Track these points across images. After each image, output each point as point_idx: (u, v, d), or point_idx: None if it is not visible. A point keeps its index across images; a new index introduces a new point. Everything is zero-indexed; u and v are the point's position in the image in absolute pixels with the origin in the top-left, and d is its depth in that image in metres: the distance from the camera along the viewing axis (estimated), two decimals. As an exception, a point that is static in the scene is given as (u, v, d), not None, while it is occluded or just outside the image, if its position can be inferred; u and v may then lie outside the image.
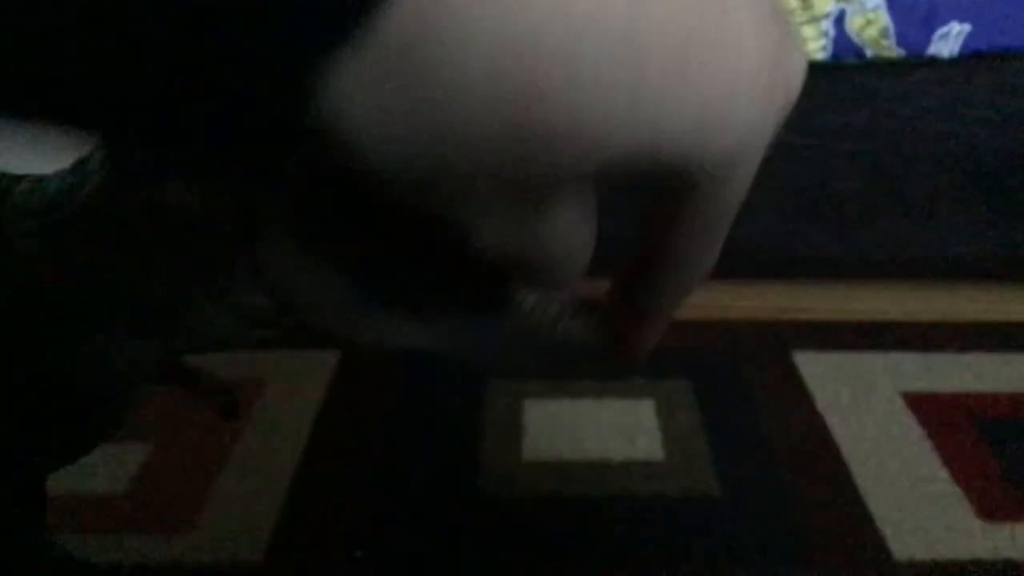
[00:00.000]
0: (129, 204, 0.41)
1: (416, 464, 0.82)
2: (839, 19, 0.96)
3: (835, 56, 0.98)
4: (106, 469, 0.79)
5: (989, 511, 0.77)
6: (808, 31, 0.97)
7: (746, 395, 0.93)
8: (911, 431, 0.87)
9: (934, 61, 1.00)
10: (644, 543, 0.74)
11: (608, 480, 0.81)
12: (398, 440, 0.85)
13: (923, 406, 0.91)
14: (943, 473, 0.82)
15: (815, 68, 1.01)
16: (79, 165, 0.42)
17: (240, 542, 0.72)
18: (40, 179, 0.43)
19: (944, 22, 0.97)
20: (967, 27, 0.97)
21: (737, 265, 1.12)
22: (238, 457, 0.82)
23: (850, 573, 0.71)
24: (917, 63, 1.01)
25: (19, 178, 0.44)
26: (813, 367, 0.97)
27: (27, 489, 0.49)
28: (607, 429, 0.87)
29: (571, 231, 0.26)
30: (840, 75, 1.02)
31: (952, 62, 1.01)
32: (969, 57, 1.00)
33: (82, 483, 0.77)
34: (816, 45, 0.97)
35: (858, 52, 0.98)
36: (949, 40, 0.98)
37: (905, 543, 0.74)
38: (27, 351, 0.42)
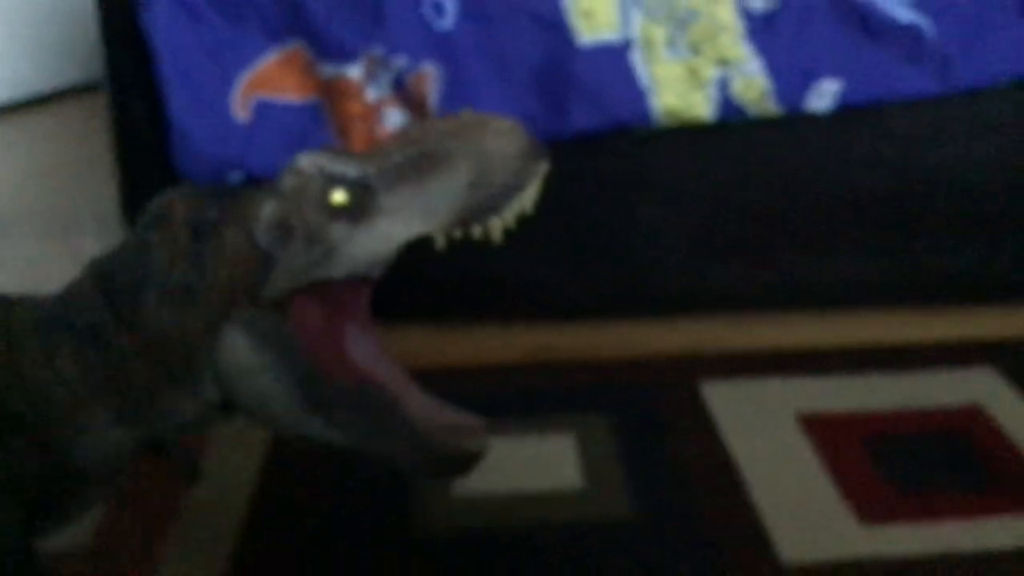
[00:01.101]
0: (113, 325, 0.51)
1: (355, 509, 0.90)
2: (723, 84, 1.08)
3: (722, 116, 1.09)
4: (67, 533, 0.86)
5: (869, 516, 0.87)
6: (696, 96, 1.08)
7: (657, 425, 1.02)
8: (803, 450, 0.97)
9: (814, 116, 1.12)
10: (566, 568, 0.82)
11: (532, 510, 0.90)
12: (337, 485, 0.93)
13: (815, 426, 1.01)
14: (830, 485, 0.92)
15: (705, 127, 1.12)
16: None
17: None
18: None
19: (818, 78, 1.09)
20: (839, 83, 1.09)
21: (647, 305, 1.23)
22: (190, 509, 0.89)
23: (744, 578, 0.80)
24: (799, 118, 1.13)
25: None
26: (718, 395, 1.07)
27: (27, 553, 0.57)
28: (530, 463, 0.96)
29: None
30: (728, 133, 1.13)
31: (829, 115, 1.12)
32: (844, 111, 1.12)
33: (47, 541, 0.83)
34: (704, 108, 1.08)
35: (741, 112, 1.09)
36: (824, 96, 1.09)
37: (793, 548, 0.83)
38: (40, 442, 0.52)
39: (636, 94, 1.08)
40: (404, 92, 1.04)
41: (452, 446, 0.50)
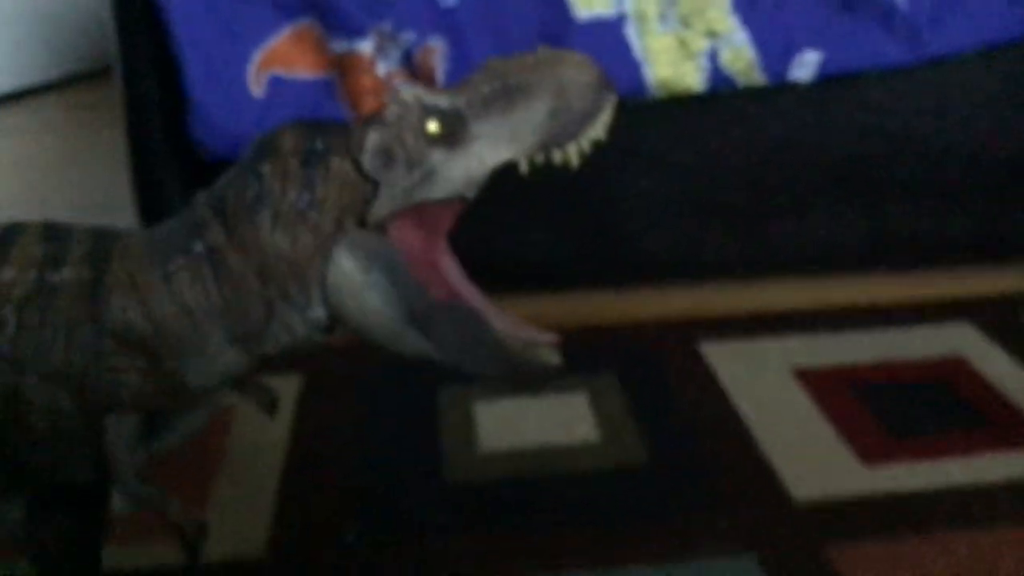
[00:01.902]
0: None
1: (388, 461, 0.92)
2: (712, 55, 1.11)
3: (712, 87, 1.13)
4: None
5: (868, 456, 0.92)
6: (687, 67, 1.11)
7: (663, 382, 1.06)
8: (801, 401, 1.02)
9: (794, 87, 1.16)
10: (588, 512, 0.86)
11: (554, 462, 0.93)
12: (368, 443, 0.95)
13: (809, 379, 1.06)
14: (829, 430, 0.96)
15: (696, 98, 1.16)
16: None
17: (242, 540, 0.82)
18: None
19: (799, 50, 1.13)
20: (819, 54, 1.14)
21: (645, 273, 1.27)
22: (227, 467, 0.91)
23: (758, 515, 0.84)
24: (782, 88, 1.17)
25: None
26: (717, 354, 1.12)
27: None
28: (549, 419, 0.99)
29: None
30: (718, 102, 1.17)
31: (809, 87, 1.17)
32: (822, 81, 1.16)
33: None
34: (695, 78, 1.12)
35: (730, 82, 1.12)
36: (805, 66, 1.14)
37: (803, 487, 0.88)
38: (159, 363, 0.55)
39: (631, 66, 1.11)
40: (412, 65, 1.06)
41: (532, 357, 0.54)
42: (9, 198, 1.59)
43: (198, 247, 0.55)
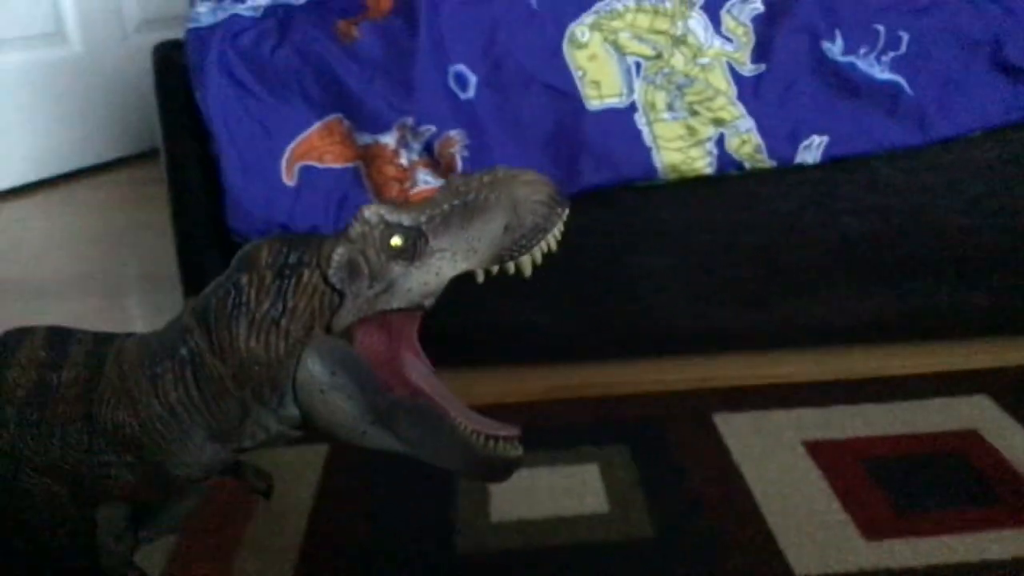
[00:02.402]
0: None
1: (402, 531, 0.95)
2: (719, 141, 1.15)
3: (720, 170, 1.17)
4: (141, 560, 0.91)
5: (872, 532, 0.93)
6: (695, 152, 1.15)
7: (674, 453, 1.08)
8: (810, 473, 1.03)
9: (802, 167, 1.19)
10: (594, 581, 0.88)
11: (563, 532, 0.95)
12: (387, 513, 0.98)
13: (820, 452, 1.07)
14: (835, 505, 0.97)
15: (705, 180, 1.20)
16: None
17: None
18: None
19: (806, 136, 1.17)
20: (826, 138, 1.17)
21: (659, 344, 1.29)
22: (250, 542, 0.95)
23: (760, 589, 0.85)
24: (788, 170, 1.20)
25: None
26: (729, 426, 1.13)
27: None
28: (560, 490, 1.02)
29: None
30: (726, 184, 1.20)
31: (818, 167, 1.20)
32: (830, 162, 1.19)
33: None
34: (703, 163, 1.16)
35: (738, 166, 1.16)
36: (812, 150, 1.17)
37: (803, 562, 0.89)
38: (145, 458, 0.59)
39: (641, 152, 1.16)
40: (433, 155, 1.12)
41: (494, 451, 0.58)
42: (69, 269, 1.68)
43: (182, 351, 0.60)
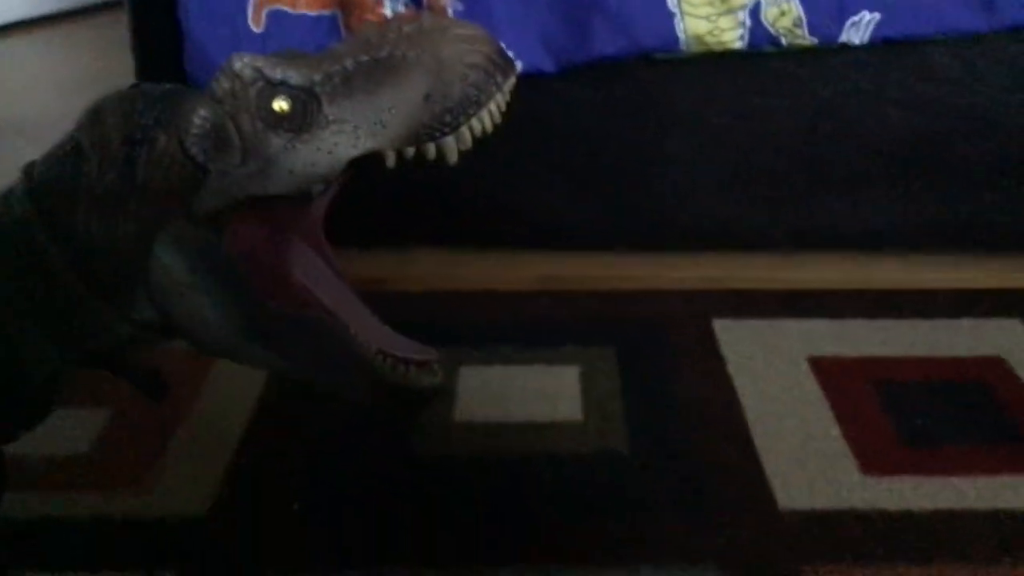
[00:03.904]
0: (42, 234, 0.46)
1: (354, 426, 0.86)
2: (755, 10, 0.98)
3: (752, 44, 0.99)
4: (69, 433, 0.83)
5: (872, 465, 0.81)
6: (725, 22, 0.98)
7: (665, 360, 0.96)
8: (812, 393, 0.91)
9: (847, 47, 1.02)
10: (559, 498, 0.78)
11: (531, 441, 0.85)
12: (338, 408, 0.88)
13: (827, 370, 0.94)
14: (835, 431, 0.85)
15: (736, 56, 1.03)
16: None
17: (189, 497, 0.77)
18: None
19: (855, 11, 0.99)
20: (877, 15, 0.99)
21: (666, 238, 1.15)
22: (191, 421, 0.86)
23: (737, 521, 0.75)
24: (832, 49, 1.03)
25: None
26: (730, 333, 1.01)
27: None
28: (533, 394, 0.91)
29: None
30: (760, 62, 1.04)
31: (865, 48, 1.03)
32: (880, 44, 1.02)
33: (45, 446, 0.81)
34: (734, 35, 0.99)
35: (773, 41, 0.99)
36: (860, 28, 0.99)
37: (789, 494, 0.78)
38: None
39: (663, 18, 0.99)
40: (422, 7, 0.96)
41: (404, 379, 0.45)
42: (29, 118, 1.56)
43: (12, 229, 0.48)
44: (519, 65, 0.99)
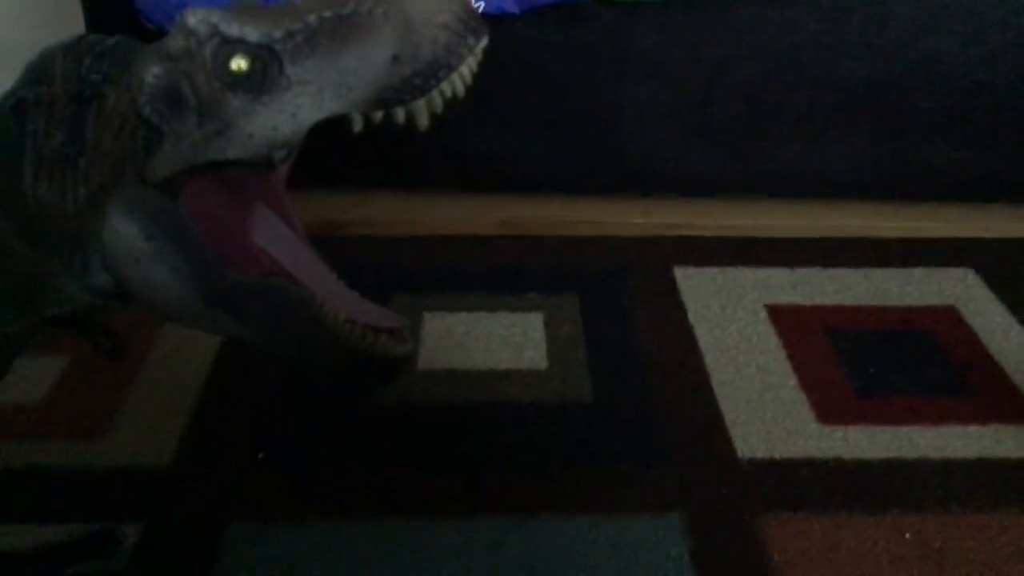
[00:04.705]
0: None
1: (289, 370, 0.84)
2: (724, -47, 0.95)
3: (718, -10, 0.98)
4: (25, 381, 0.80)
5: (828, 415, 0.82)
6: (693, -35, 0.96)
7: (627, 308, 0.96)
8: (769, 341, 0.92)
9: (812, -7, 1.00)
10: (517, 448, 0.78)
11: (494, 388, 0.84)
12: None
13: (783, 318, 0.95)
14: (792, 380, 0.86)
15: (697, 1, 1.00)
16: None
17: (150, 447, 0.75)
18: None
19: (825, -43, 0.97)
20: (844, -39, 0.97)
21: (628, 183, 1.14)
22: (151, 369, 0.83)
23: (697, 469, 0.76)
24: (793, -2, 1.01)
25: None
26: (690, 281, 1.01)
27: None
28: (497, 341, 0.90)
29: None
30: (721, 8, 1.01)
31: (827, -4, 1.01)
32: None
33: (1, 394, 0.78)
34: (701, -22, 0.96)
35: (739, -14, 0.97)
36: (826, -27, 0.98)
37: (748, 443, 0.79)
38: None
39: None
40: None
41: (372, 348, 0.43)
42: None
43: None
44: (481, 6, 0.95)
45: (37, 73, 0.43)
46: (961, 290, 1.00)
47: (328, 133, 0.43)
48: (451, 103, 0.41)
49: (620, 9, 1.01)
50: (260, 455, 0.75)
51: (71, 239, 0.42)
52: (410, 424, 0.79)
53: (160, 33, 0.96)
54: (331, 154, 1.02)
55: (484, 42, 0.40)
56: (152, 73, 0.40)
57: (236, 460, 0.75)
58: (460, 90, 0.40)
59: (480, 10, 0.96)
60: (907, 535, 0.69)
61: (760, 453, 0.78)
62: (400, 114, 0.40)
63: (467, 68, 0.39)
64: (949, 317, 0.96)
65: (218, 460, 0.75)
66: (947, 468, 0.76)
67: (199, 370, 0.83)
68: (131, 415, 0.78)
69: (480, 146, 1.10)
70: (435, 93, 0.39)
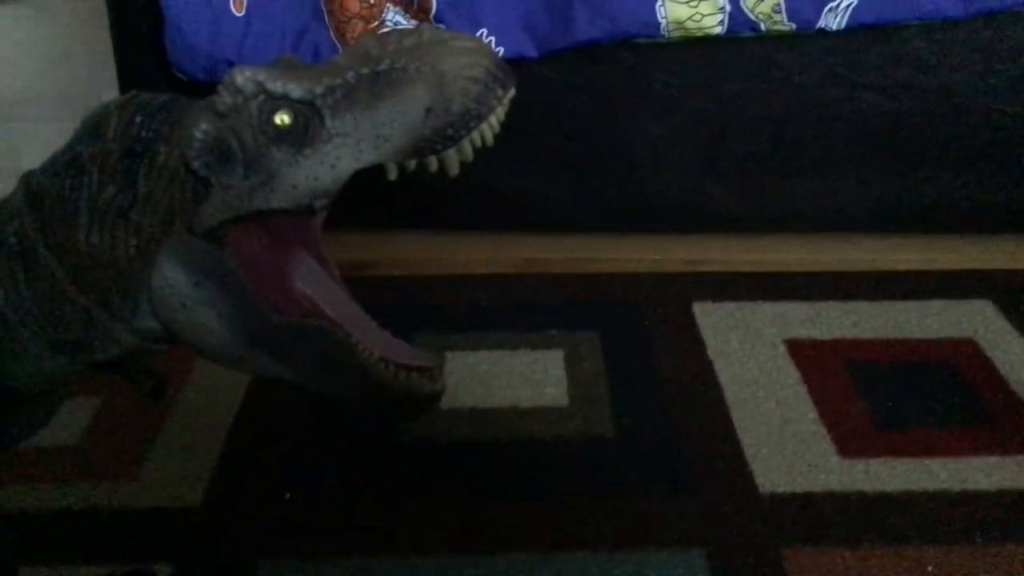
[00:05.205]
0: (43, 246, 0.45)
1: (342, 413, 0.85)
2: (735, -3, 0.98)
3: (731, 30, 0.99)
4: (59, 423, 0.82)
5: (848, 448, 0.83)
6: (706, 7, 0.98)
7: (647, 344, 0.97)
8: (789, 376, 0.92)
9: (824, 33, 1.02)
10: (541, 485, 0.78)
11: (517, 425, 0.85)
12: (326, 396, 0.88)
13: (802, 351, 0.96)
14: (812, 414, 0.87)
15: (715, 40, 1.02)
16: None
17: (181, 488, 0.76)
18: None
19: (833, -3, 0.99)
20: (854, 1, 0.99)
21: (646, 221, 1.15)
22: (180, 411, 0.85)
23: (719, 504, 0.76)
24: (809, 35, 1.03)
25: None
26: (709, 317, 1.02)
27: None
28: (519, 378, 0.91)
29: None
30: (738, 46, 1.03)
31: (841, 34, 1.03)
32: (857, 29, 1.02)
33: (35, 437, 0.80)
34: (714, 20, 0.98)
35: (752, 26, 0.99)
36: (838, 14, 0.99)
37: (770, 477, 0.79)
38: None
39: (645, 3, 0.98)
40: (408, -5, 0.94)
41: (405, 386, 0.45)
42: (4, 97, 1.52)
43: (11, 240, 0.46)
44: (501, 51, 0.97)
45: (92, 129, 0.45)
46: (979, 322, 1.00)
47: (357, 176, 0.45)
48: (480, 151, 0.43)
49: (637, 50, 1.03)
50: (287, 495, 0.76)
51: (122, 285, 0.44)
52: (434, 462, 0.80)
53: (191, 83, 1.00)
54: (358, 195, 1.05)
55: (512, 93, 0.42)
56: (201, 129, 0.42)
57: (265, 499, 0.76)
58: (489, 139, 0.42)
59: (500, 54, 0.99)
60: (929, 567, 0.69)
61: (781, 487, 0.78)
62: (433, 163, 0.42)
63: (496, 118, 0.42)
64: (968, 349, 0.96)
65: (248, 500, 0.76)
66: (969, 499, 0.76)
67: (228, 410, 0.85)
68: (162, 456, 0.80)
69: (502, 186, 1.12)
70: (466, 142, 0.41)
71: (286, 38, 0.94)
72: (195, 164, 0.43)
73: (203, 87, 0.97)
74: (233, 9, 0.94)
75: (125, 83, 1.02)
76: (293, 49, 0.94)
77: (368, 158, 0.42)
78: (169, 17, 0.93)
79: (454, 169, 0.43)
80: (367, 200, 1.08)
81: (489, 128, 0.42)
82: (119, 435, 0.82)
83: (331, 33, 0.95)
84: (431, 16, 0.95)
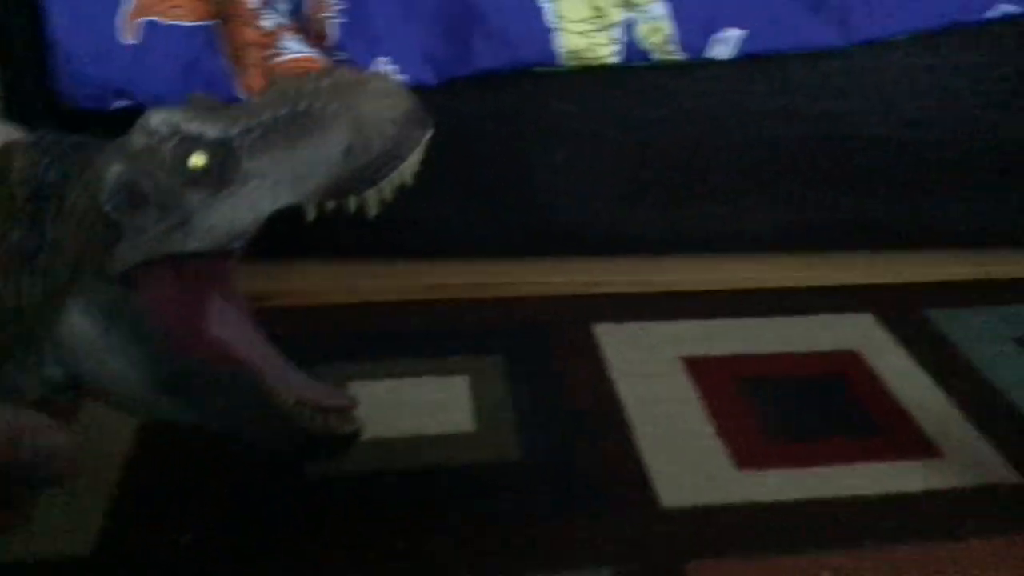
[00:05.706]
0: None
1: (242, 452, 0.83)
2: (628, 27, 1.01)
3: (627, 59, 1.02)
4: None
5: (744, 460, 0.85)
6: (601, 38, 1.00)
7: (551, 367, 0.98)
8: (686, 392, 0.94)
9: (715, 62, 1.06)
10: (451, 509, 0.78)
11: (423, 454, 0.85)
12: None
13: (698, 369, 0.98)
14: (709, 428, 0.89)
15: (612, 70, 1.05)
16: None
17: (69, 536, 0.72)
18: None
19: (721, 28, 1.03)
20: (743, 32, 1.03)
21: (548, 245, 1.17)
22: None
23: (625, 522, 0.77)
24: (701, 64, 1.07)
25: None
26: (610, 337, 1.03)
27: None
28: (425, 406, 0.91)
29: None
30: (636, 74, 1.06)
31: (731, 63, 1.07)
32: (748, 58, 1.06)
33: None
34: (609, 50, 1.01)
35: (645, 56, 1.02)
36: (727, 44, 1.04)
37: (672, 492, 0.81)
38: None
39: (541, 33, 1.00)
40: (302, 21, 0.93)
41: (323, 429, 0.44)
42: None
43: None
44: (402, 79, 0.98)
45: None
46: (863, 335, 1.05)
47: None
48: (399, 191, 0.43)
49: (537, 78, 1.05)
50: (187, 537, 0.73)
51: (25, 332, 0.42)
52: (340, 497, 0.79)
53: (78, 113, 0.96)
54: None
55: (430, 133, 0.42)
56: (113, 171, 0.41)
57: (161, 544, 0.73)
58: (408, 179, 0.42)
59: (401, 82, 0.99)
60: (824, 572, 0.72)
61: (682, 502, 0.80)
62: (352, 203, 0.42)
63: (415, 159, 0.42)
64: (852, 361, 1.00)
65: (142, 546, 0.73)
66: (858, 505, 0.79)
67: (118, 452, 0.81)
68: (48, 502, 0.76)
69: (404, 213, 1.10)
70: (385, 183, 0.41)
71: (178, 67, 0.92)
72: (107, 207, 0.41)
73: (90, 116, 0.94)
74: (123, 36, 0.91)
75: (8, 112, 0.98)
76: (185, 77, 0.92)
77: (286, 199, 0.42)
78: (55, 43, 0.90)
79: (374, 210, 0.43)
80: (266, 229, 1.06)
81: (408, 168, 0.42)
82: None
83: (224, 61, 0.93)
84: (330, 43, 0.95)
